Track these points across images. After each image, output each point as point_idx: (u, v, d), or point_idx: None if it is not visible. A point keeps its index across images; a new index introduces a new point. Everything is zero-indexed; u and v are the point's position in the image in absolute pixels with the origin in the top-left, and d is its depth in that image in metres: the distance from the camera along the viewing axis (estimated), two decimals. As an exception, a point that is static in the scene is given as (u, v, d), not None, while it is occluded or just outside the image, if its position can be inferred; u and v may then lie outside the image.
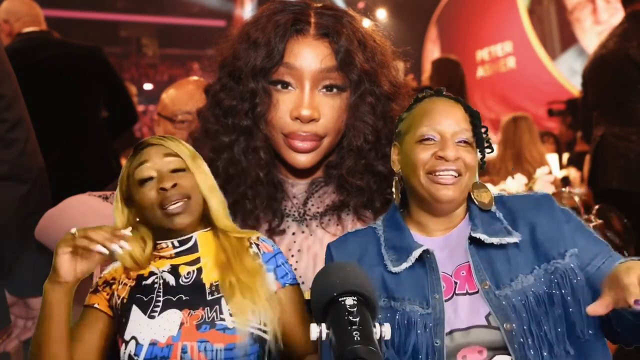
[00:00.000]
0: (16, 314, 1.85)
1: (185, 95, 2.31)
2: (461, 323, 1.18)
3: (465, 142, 1.25)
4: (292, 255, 1.50)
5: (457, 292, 1.22)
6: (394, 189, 1.34)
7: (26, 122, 1.79)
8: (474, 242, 1.25)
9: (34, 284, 1.82)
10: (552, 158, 4.45)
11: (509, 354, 1.15)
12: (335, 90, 1.51)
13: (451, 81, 4.05)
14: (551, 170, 2.53)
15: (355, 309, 0.87)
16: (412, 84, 1.73)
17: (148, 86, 11.32)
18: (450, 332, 1.18)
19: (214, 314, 1.24)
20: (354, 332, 0.83)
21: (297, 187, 1.59)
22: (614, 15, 6.05)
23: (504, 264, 1.22)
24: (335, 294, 0.91)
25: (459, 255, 1.26)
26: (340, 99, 1.52)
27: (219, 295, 1.27)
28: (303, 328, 1.30)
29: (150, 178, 1.30)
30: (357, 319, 0.85)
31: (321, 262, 1.47)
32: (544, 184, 2.16)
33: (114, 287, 1.32)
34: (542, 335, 1.15)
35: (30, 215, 1.74)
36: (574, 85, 6.44)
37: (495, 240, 1.23)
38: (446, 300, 1.21)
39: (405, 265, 1.24)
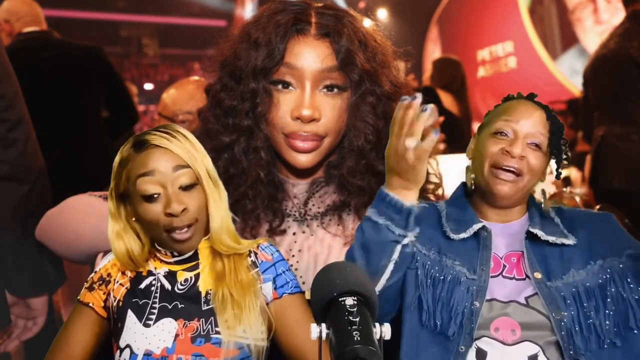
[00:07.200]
0: (16, 314, 1.85)
1: (185, 95, 2.32)
2: (502, 297, 1.25)
3: (536, 145, 1.30)
4: (293, 255, 1.50)
5: (504, 274, 1.29)
6: (467, 175, 1.39)
7: (26, 122, 1.79)
8: (530, 236, 1.31)
9: (34, 284, 1.83)
10: (553, 158, 4.43)
11: (538, 345, 1.20)
12: (336, 90, 1.50)
13: (452, 81, 4.05)
14: (552, 170, 2.52)
15: (355, 309, 0.87)
16: (413, 83, 1.73)
17: (149, 86, 11.35)
18: (491, 299, 1.25)
19: (209, 326, 1.22)
20: (354, 332, 0.83)
21: (298, 187, 1.58)
22: (615, 15, 6.05)
23: (556, 259, 1.29)
24: (335, 294, 0.91)
25: (514, 244, 1.33)
26: (341, 99, 1.51)
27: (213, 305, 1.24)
28: (300, 337, 1.26)
29: (157, 194, 1.21)
30: (357, 319, 0.85)
31: (322, 262, 1.47)
32: (545, 183, 2.15)
33: (109, 286, 1.30)
34: (590, 325, 1.20)
35: (30, 215, 1.73)
36: (575, 85, 6.44)
37: (551, 239, 1.29)
38: (492, 277, 1.28)
39: (463, 235, 1.31)
